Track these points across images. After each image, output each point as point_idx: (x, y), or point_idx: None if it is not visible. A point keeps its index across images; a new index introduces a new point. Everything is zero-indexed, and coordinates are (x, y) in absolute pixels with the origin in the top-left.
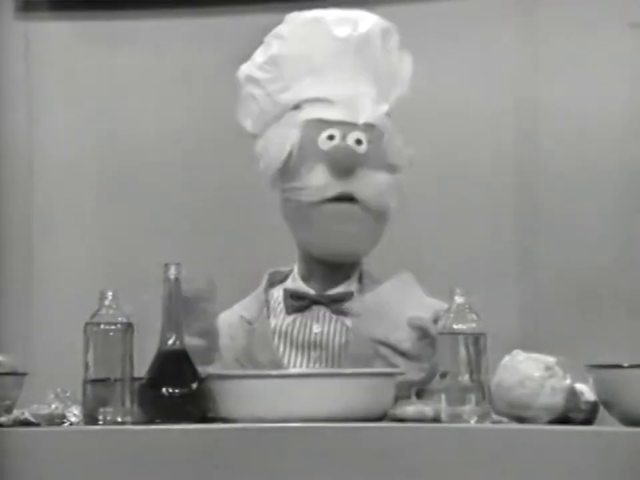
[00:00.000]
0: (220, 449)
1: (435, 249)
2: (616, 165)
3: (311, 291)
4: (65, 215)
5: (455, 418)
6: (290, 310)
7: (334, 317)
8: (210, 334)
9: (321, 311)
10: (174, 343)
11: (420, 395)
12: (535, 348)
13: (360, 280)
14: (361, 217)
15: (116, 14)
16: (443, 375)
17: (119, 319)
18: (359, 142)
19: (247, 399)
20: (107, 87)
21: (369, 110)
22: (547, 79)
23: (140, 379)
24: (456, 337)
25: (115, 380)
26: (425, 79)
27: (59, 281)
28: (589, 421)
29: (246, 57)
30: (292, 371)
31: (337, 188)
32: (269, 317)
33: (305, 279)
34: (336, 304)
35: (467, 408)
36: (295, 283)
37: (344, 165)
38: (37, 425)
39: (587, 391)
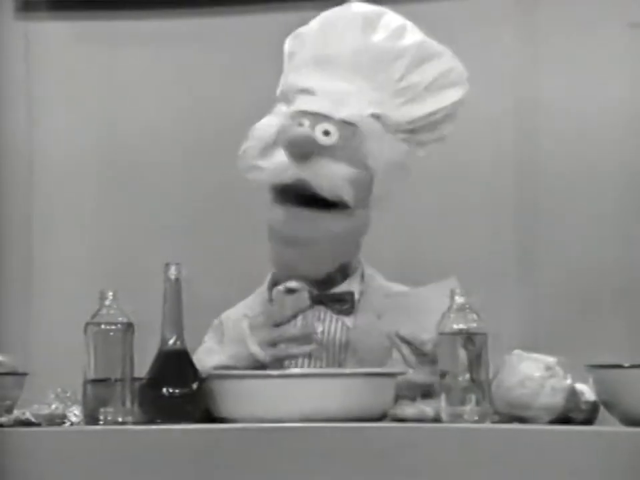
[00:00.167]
0: (220, 449)
1: (435, 249)
2: (616, 164)
3: (312, 291)
4: (64, 215)
5: (455, 418)
6: (291, 309)
7: (334, 316)
8: None
9: (322, 310)
10: (174, 343)
11: (426, 395)
12: (535, 348)
13: (362, 279)
14: (312, 239)
15: (116, 14)
16: (443, 375)
17: (119, 318)
18: (326, 133)
19: (247, 398)
20: (106, 87)
21: (351, 107)
22: (546, 78)
23: (140, 379)
24: (456, 336)
25: (116, 380)
26: None
27: (59, 281)
28: (589, 420)
29: (246, 56)
30: (292, 371)
31: (292, 173)
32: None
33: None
34: (336, 303)
35: (467, 408)
36: (297, 282)
37: (297, 149)
38: (38, 425)
39: (587, 391)
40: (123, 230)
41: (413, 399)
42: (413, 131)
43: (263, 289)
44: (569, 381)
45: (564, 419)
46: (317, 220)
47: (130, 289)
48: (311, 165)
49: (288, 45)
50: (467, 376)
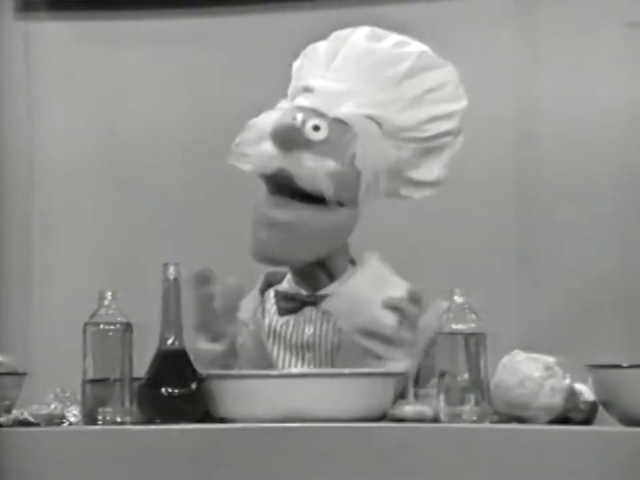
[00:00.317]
0: (220, 449)
1: (435, 250)
2: (615, 164)
3: (302, 292)
4: (64, 215)
5: (455, 418)
6: (282, 312)
7: (324, 317)
8: (231, 339)
9: (312, 312)
10: (173, 343)
11: (416, 395)
12: (535, 348)
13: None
14: (291, 222)
15: (115, 14)
16: (442, 375)
17: (119, 319)
18: (316, 128)
19: (247, 398)
20: (106, 87)
21: (346, 106)
22: (546, 78)
23: (139, 379)
24: (455, 336)
25: (115, 380)
26: None
27: (59, 281)
28: (588, 421)
29: (246, 56)
30: (292, 370)
31: (275, 162)
32: (263, 318)
33: (297, 280)
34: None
35: (467, 408)
36: (288, 284)
37: (280, 137)
38: (37, 425)
39: (586, 391)
40: (123, 230)
41: (402, 392)
42: (409, 142)
43: (255, 292)
44: (568, 381)
45: (563, 418)
46: (299, 210)
47: (129, 289)
48: (295, 156)
49: (298, 62)
50: (466, 376)
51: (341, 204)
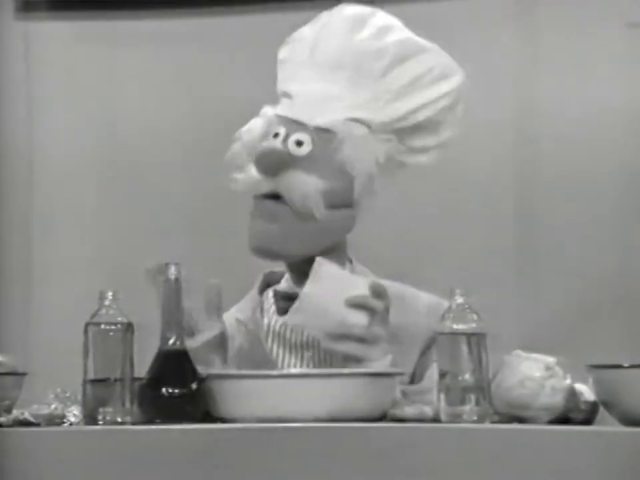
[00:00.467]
0: (220, 449)
1: (435, 249)
2: (615, 165)
3: (298, 292)
4: (64, 215)
5: (455, 418)
6: (281, 311)
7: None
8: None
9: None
10: (174, 343)
11: (404, 395)
12: (535, 348)
13: None
14: (286, 216)
15: (115, 14)
16: (443, 375)
17: (119, 319)
18: (299, 143)
19: (247, 398)
20: (106, 87)
21: (327, 113)
22: (546, 78)
23: (140, 379)
24: (456, 337)
25: (115, 380)
26: None
27: (59, 281)
28: (588, 421)
29: (246, 56)
30: (292, 371)
31: (266, 186)
32: (262, 318)
33: (295, 279)
34: None
35: (467, 408)
36: (286, 284)
37: (264, 166)
38: (37, 425)
39: (586, 391)
40: (123, 230)
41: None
42: (402, 131)
43: (254, 292)
44: (568, 381)
45: (563, 419)
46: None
47: (130, 289)
48: (282, 178)
49: (281, 52)
50: (467, 376)
51: (335, 207)
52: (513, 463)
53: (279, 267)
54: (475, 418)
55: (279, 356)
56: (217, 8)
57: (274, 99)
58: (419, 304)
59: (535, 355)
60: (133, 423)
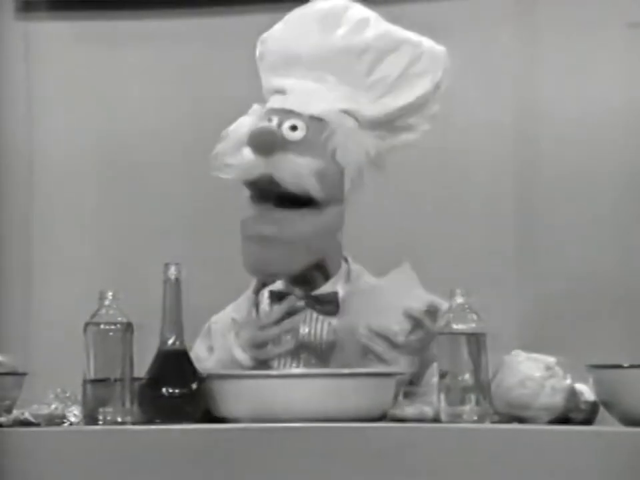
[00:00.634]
0: (220, 449)
1: (436, 251)
2: (615, 165)
3: (297, 292)
4: (64, 215)
5: (455, 418)
6: None
7: (320, 317)
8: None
9: (307, 311)
10: (174, 343)
11: (407, 395)
12: (535, 348)
13: (348, 278)
14: (281, 236)
15: (116, 14)
16: (443, 375)
17: (119, 318)
18: (293, 128)
19: (247, 398)
20: (106, 87)
21: (320, 103)
22: (546, 79)
23: (140, 379)
24: (456, 337)
25: (115, 380)
26: None
27: (59, 281)
28: (588, 421)
29: (246, 56)
30: (292, 371)
31: (258, 169)
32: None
33: (291, 280)
34: (320, 304)
35: (467, 408)
36: (282, 284)
37: (259, 144)
38: (37, 425)
39: (586, 391)
40: (123, 230)
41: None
42: (393, 122)
43: (249, 293)
44: (568, 381)
45: (563, 419)
46: (285, 219)
47: (130, 289)
48: (275, 159)
49: (258, 48)
50: (467, 376)
51: (326, 202)
52: (513, 463)
53: None
54: (475, 418)
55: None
56: (217, 8)
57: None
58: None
59: (535, 355)
60: (133, 423)
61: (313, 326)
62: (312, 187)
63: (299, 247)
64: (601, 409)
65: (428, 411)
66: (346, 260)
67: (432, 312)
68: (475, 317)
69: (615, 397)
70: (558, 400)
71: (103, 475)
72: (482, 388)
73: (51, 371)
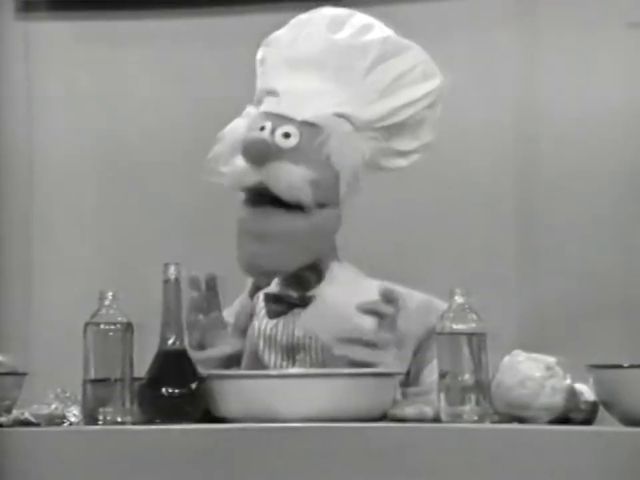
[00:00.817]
0: (219, 449)
1: (436, 249)
2: (615, 165)
3: (292, 294)
4: (64, 215)
5: (455, 418)
6: (271, 314)
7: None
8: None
9: (301, 313)
10: (174, 343)
11: (404, 395)
12: (535, 348)
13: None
14: (276, 233)
15: (116, 14)
16: (443, 375)
17: (119, 318)
18: (286, 135)
19: (247, 398)
20: (106, 87)
21: (313, 107)
22: (546, 78)
23: (140, 379)
24: (456, 337)
25: (115, 380)
26: None
27: (59, 281)
28: (588, 421)
29: (246, 56)
30: (292, 371)
31: (252, 177)
32: (253, 321)
33: (285, 282)
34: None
35: (467, 408)
36: (277, 286)
37: (252, 155)
38: (37, 425)
39: (586, 391)
40: (123, 230)
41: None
42: (386, 130)
43: (244, 295)
44: (568, 381)
45: (563, 419)
46: (280, 218)
47: (130, 289)
48: (269, 168)
49: (260, 52)
50: (467, 376)
51: (322, 205)
52: (513, 463)
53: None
54: (475, 418)
55: (270, 359)
56: (217, 8)
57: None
58: (410, 303)
59: (535, 355)
60: (133, 423)
61: (307, 328)
62: (305, 196)
63: (294, 246)
64: (601, 409)
65: (428, 411)
66: (340, 262)
67: (387, 297)
68: (474, 316)
69: (615, 396)
70: (558, 400)
71: (103, 475)
72: (482, 388)
73: (50, 371)
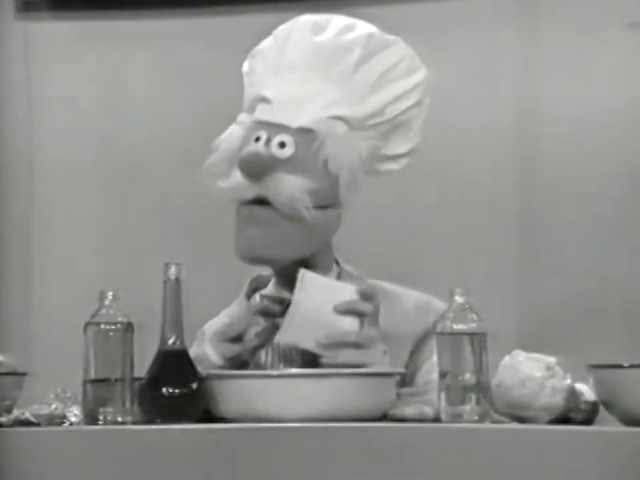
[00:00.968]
0: (219, 449)
1: (436, 249)
2: (616, 165)
3: (288, 295)
4: (65, 215)
5: (455, 418)
6: (267, 315)
7: None
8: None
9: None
10: (174, 343)
11: (401, 396)
12: (535, 348)
13: (339, 280)
14: (272, 221)
15: (116, 14)
16: (443, 375)
17: (119, 318)
18: (282, 145)
19: (247, 398)
20: (106, 87)
21: (307, 113)
22: (546, 78)
23: (140, 378)
24: (456, 336)
25: (115, 380)
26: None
27: (59, 281)
28: (588, 421)
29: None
30: (292, 371)
31: (251, 191)
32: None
33: (282, 284)
34: None
35: (467, 407)
36: (273, 288)
37: (249, 171)
38: (37, 425)
39: (586, 391)
40: (123, 230)
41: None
42: (378, 129)
43: (241, 297)
44: (568, 381)
45: (564, 419)
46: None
47: (130, 289)
48: (268, 181)
49: (246, 64)
50: (467, 376)
51: (323, 207)
52: (513, 463)
53: (266, 271)
54: (476, 418)
55: (266, 360)
56: (217, 8)
57: None
58: (408, 303)
59: (535, 355)
60: (133, 423)
61: None
62: (304, 209)
63: (291, 238)
64: (601, 409)
65: (428, 411)
66: (337, 262)
67: (364, 295)
68: (475, 316)
69: (615, 397)
70: (558, 400)
71: (103, 475)
72: (482, 388)
73: (50, 371)
